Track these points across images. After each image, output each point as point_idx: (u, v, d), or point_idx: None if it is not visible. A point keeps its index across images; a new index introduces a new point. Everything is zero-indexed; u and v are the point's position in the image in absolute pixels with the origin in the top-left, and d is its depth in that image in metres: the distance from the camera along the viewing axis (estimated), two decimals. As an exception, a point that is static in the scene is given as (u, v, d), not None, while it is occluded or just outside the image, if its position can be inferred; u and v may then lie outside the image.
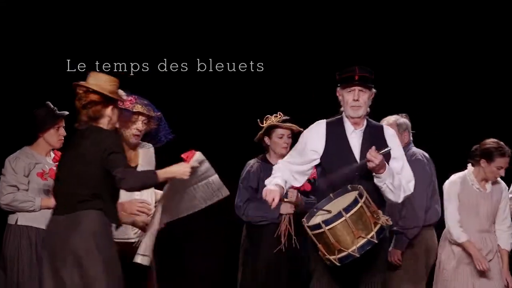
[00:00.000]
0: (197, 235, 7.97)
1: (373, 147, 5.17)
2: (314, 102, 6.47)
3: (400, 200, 5.37)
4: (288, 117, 6.59)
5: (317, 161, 5.36)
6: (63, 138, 6.31)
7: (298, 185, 5.50)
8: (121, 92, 5.30)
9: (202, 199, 5.41)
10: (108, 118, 5.18)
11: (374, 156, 5.13)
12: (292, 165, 5.40)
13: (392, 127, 6.01)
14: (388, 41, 7.91)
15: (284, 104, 7.10)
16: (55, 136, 6.33)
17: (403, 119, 6.53)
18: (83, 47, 7.69)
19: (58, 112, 6.34)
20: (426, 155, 6.53)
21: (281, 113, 6.59)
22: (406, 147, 6.33)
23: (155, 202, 5.55)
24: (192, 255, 8.06)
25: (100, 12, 7.83)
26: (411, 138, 6.58)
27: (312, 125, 5.48)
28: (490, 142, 6.20)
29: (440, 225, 6.38)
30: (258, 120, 6.57)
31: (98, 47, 7.77)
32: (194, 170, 5.20)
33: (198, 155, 5.24)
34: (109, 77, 5.22)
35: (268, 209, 6.41)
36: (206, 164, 5.31)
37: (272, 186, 5.26)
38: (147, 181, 5.06)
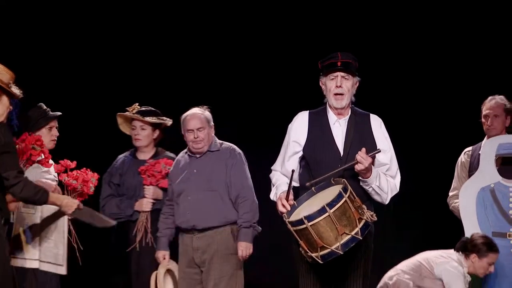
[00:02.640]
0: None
1: (363, 149, 4.92)
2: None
3: (386, 202, 5.14)
4: (146, 109, 6.38)
5: (300, 153, 5.14)
6: (55, 139, 6.18)
7: (297, 185, 5.19)
8: (15, 88, 5.07)
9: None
10: None
11: (364, 158, 4.89)
12: (281, 170, 5.20)
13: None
14: (385, 40, 7.82)
15: (283, 106, 6.99)
16: (47, 136, 6.23)
17: (207, 113, 6.12)
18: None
19: (51, 113, 6.25)
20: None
21: (137, 104, 6.39)
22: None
23: None
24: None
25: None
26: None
27: (295, 116, 5.29)
28: (479, 237, 6.03)
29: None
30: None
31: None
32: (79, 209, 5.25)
33: None
34: (3, 67, 5.05)
35: (124, 206, 6.26)
36: None
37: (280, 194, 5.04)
38: (37, 197, 5.05)
